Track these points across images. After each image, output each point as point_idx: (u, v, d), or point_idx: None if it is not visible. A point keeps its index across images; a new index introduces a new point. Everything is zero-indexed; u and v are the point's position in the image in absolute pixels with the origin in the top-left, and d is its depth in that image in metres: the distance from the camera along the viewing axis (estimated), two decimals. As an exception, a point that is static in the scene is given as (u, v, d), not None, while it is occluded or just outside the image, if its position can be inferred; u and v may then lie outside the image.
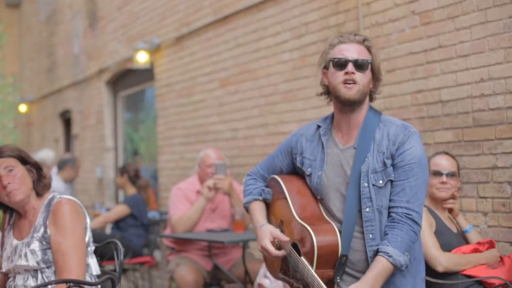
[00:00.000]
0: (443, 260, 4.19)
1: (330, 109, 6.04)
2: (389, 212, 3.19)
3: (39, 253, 3.65)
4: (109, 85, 11.23)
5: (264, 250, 3.35)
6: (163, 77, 9.13)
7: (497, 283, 4.10)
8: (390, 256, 3.06)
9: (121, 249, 3.75)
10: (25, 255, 3.66)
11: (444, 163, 4.44)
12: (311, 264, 3.18)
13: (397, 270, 3.11)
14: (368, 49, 3.31)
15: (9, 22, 16.30)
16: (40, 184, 3.80)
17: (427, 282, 4.24)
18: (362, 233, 3.21)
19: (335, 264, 3.19)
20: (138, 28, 9.85)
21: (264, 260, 3.72)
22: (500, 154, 4.57)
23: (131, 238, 7.72)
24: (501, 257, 4.30)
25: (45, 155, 10.29)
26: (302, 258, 3.25)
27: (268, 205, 3.64)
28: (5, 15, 16.37)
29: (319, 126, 3.46)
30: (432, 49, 5.05)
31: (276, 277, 3.61)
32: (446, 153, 4.56)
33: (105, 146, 11.25)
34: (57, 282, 3.32)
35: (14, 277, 3.76)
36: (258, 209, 3.59)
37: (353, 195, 3.21)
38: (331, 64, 3.29)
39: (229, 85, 7.60)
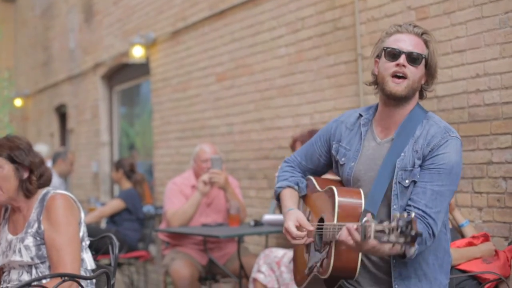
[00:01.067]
0: None
1: (326, 104, 6.06)
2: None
3: (33, 249, 3.64)
4: (104, 79, 11.22)
5: (286, 231, 3.20)
6: (158, 71, 9.12)
7: (491, 278, 4.10)
8: None
9: (116, 243, 3.74)
10: (19, 251, 3.65)
11: None
12: (333, 216, 3.05)
13: (401, 257, 2.98)
14: (426, 43, 3.13)
15: (5, 17, 16.28)
16: (28, 186, 3.72)
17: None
18: None
19: (358, 219, 2.99)
20: (134, 23, 9.84)
21: (293, 264, 3.59)
22: (495, 149, 4.57)
23: (126, 232, 7.71)
24: (496, 252, 4.31)
25: (38, 149, 10.27)
26: (326, 223, 3.11)
27: (304, 198, 3.49)
28: (1, 9, 16.35)
29: (360, 115, 3.30)
30: (427, 45, 5.05)
31: (302, 279, 3.40)
32: None
33: (101, 140, 11.25)
34: (52, 276, 3.31)
35: (9, 272, 3.75)
36: (290, 195, 3.42)
37: (379, 190, 3.05)
38: (383, 53, 3.12)
39: (225, 80, 7.60)
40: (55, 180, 8.68)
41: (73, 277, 3.25)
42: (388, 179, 3.03)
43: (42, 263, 3.66)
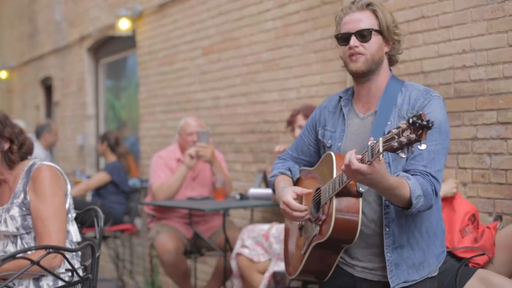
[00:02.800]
0: None
1: (313, 78, 6.06)
2: None
3: (18, 219, 3.64)
4: (90, 52, 11.17)
5: (285, 205, 3.17)
6: (145, 44, 9.08)
7: (471, 255, 4.12)
8: (409, 179, 2.92)
9: (101, 216, 3.75)
10: (5, 221, 3.65)
11: None
12: (332, 174, 3.06)
13: (408, 208, 2.95)
14: (374, 12, 3.17)
15: (-11, -12, 16.16)
16: (10, 156, 3.73)
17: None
18: (379, 198, 3.10)
19: None
20: (120, -5, 9.78)
21: (284, 257, 3.60)
22: (480, 125, 4.58)
23: (112, 205, 7.72)
24: (482, 228, 4.33)
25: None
26: (324, 187, 3.12)
27: (296, 182, 3.50)
28: (-14, -20, 16.21)
29: (340, 97, 3.36)
30: (414, 20, 5.05)
31: (295, 267, 3.40)
32: None
33: (86, 113, 11.21)
34: (37, 248, 3.32)
35: (-6, 243, 3.76)
36: (283, 179, 3.46)
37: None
38: (337, 41, 3.22)
39: (211, 54, 7.58)
40: (41, 152, 8.67)
41: (58, 249, 3.25)
42: None
43: (27, 233, 3.66)
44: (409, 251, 3.10)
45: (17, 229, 3.65)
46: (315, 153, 3.48)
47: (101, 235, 3.72)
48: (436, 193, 3.01)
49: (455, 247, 4.16)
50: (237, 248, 5.55)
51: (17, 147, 3.74)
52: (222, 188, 6.10)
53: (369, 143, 2.69)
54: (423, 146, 2.54)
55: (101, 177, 7.87)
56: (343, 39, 3.18)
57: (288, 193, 3.20)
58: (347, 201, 3.00)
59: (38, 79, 13.60)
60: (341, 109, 3.32)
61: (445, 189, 4.28)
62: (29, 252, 3.41)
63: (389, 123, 3.09)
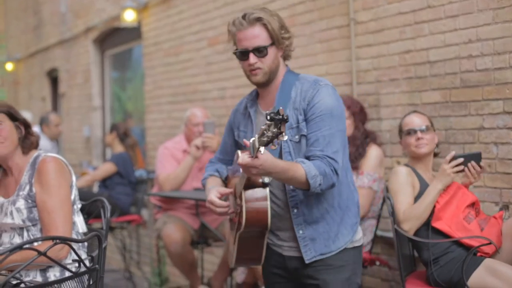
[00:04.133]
0: (400, 216, 4.25)
1: (319, 68, 6.04)
2: None
3: (24, 211, 3.66)
4: (96, 43, 11.17)
5: (209, 202, 3.41)
6: (150, 35, 9.07)
7: (476, 244, 4.13)
8: (304, 163, 3.18)
9: (108, 206, 3.76)
10: (11, 213, 3.66)
11: (415, 120, 4.50)
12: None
13: (309, 189, 3.19)
14: (264, 26, 3.36)
15: (-5, -20, 16.16)
16: (27, 141, 3.80)
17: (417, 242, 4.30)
18: (284, 185, 3.35)
19: None
20: (126, -14, 9.76)
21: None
22: (486, 115, 4.58)
23: (119, 196, 7.73)
24: (488, 218, 4.33)
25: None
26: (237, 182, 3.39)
27: (225, 181, 3.74)
28: (-9, -28, 16.21)
29: (247, 100, 3.63)
30: (420, 9, 5.04)
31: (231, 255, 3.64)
32: (415, 111, 4.63)
33: (92, 105, 11.22)
34: (44, 239, 3.33)
35: (0, 235, 3.77)
36: (211, 181, 3.67)
37: (276, 152, 3.28)
38: (235, 55, 3.45)
39: (217, 44, 7.56)
40: (47, 143, 8.69)
41: (64, 240, 3.26)
42: (281, 145, 3.33)
43: (33, 225, 3.68)
44: (325, 225, 3.38)
45: (23, 221, 3.66)
46: None
47: (107, 226, 3.73)
48: (336, 172, 3.24)
49: (462, 237, 4.16)
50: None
51: (32, 133, 3.81)
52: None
53: (250, 140, 2.94)
54: (285, 137, 2.75)
55: (108, 168, 7.87)
56: (241, 54, 3.40)
57: (212, 193, 3.43)
58: (255, 192, 3.24)
59: (44, 71, 13.60)
60: (247, 110, 3.58)
61: (437, 182, 4.29)
62: (36, 243, 3.42)
63: None
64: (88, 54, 11.29)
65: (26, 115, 10.08)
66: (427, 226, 4.28)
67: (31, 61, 14.47)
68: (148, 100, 9.22)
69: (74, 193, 3.81)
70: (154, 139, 8.96)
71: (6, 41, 16.10)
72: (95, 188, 8.37)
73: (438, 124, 4.81)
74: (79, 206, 3.88)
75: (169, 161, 6.26)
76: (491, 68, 4.53)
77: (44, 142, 8.29)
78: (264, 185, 3.25)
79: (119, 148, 8.07)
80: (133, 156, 8.16)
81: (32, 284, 3.37)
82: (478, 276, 4.01)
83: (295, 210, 3.36)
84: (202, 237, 6.25)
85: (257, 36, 3.36)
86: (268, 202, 3.25)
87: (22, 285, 3.37)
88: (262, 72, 3.39)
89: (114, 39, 10.72)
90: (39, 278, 3.58)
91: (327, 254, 3.39)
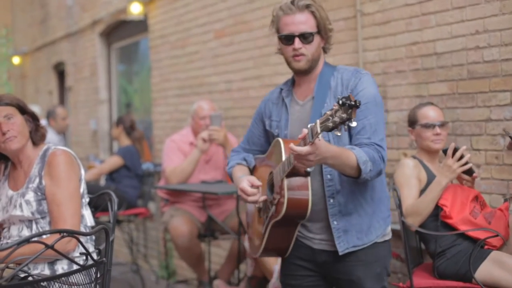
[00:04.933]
0: (405, 210, 4.25)
1: (326, 60, 6.01)
2: None
3: (34, 204, 3.67)
4: (102, 37, 11.17)
5: (241, 191, 3.43)
6: (157, 28, 9.07)
7: (483, 236, 4.12)
8: (354, 149, 3.19)
9: (115, 200, 3.76)
10: (20, 206, 3.68)
11: (433, 114, 4.47)
12: (281, 158, 3.29)
13: (359, 176, 3.19)
14: (313, 14, 3.40)
15: (1, -27, 16.17)
16: (37, 134, 3.83)
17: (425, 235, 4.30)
18: (321, 175, 3.37)
19: None
20: (132, -21, 9.75)
21: (248, 240, 3.86)
22: (494, 106, 4.57)
23: (126, 189, 7.73)
24: (494, 210, 4.32)
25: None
26: (275, 170, 3.37)
27: (252, 170, 3.75)
28: (-3, -35, 16.22)
29: (281, 89, 3.62)
30: (427, 1, 5.02)
31: (258, 245, 3.63)
32: (432, 103, 4.59)
33: (99, 98, 11.22)
34: (51, 232, 3.32)
35: (9, 228, 3.78)
36: (239, 169, 3.69)
37: None
38: (279, 40, 3.45)
39: (223, 37, 7.56)
40: (54, 137, 8.69)
41: (72, 233, 3.26)
42: None
43: (42, 218, 3.69)
44: (357, 217, 3.38)
45: (32, 213, 3.67)
46: (265, 143, 3.75)
47: (115, 219, 3.74)
48: (383, 159, 3.27)
49: (467, 230, 4.16)
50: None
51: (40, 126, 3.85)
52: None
53: (308, 126, 2.93)
54: (354, 123, 2.76)
55: (114, 161, 7.88)
56: (286, 39, 3.41)
57: (244, 182, 3.45)
58: (296, 181, 3.25)
59: (50, 64, 13.61)
60: (282, 100, 3.58)
61: (441, 178, 4.28)
62: (44, 236, 3.43)
63: (325, 105, 3.36)
64: (95, 47, 11.29)
65: (35, 108, 10.09)
66: (434, 218, 4.27)
67: (37, 54, 14.49)
68: (155, 93, 9.23)
69: (83, 187, 3.82)
70: (161, 132, 8.96)
71: (12, 34, 16.11)
72: (102, 182, 8.38)
73: (445, 116, 4.79)
74: (87, 200, 3.89)
75: (176, 154, 6.27)
76: (498, 59, 4.51)
77: (51, 136, 8.29)
78: (306, 174, 3.26)
79: (125, 141, 8.08)
80: (140, 149, 8.16)
81: (40, 277, 3.38)
82: (485, 268, 4.01)
83: (331, 200, 3.35)
84: (209, 230, 6.25)
85: (304, 22, 3.38)
86: (310, 191, 3.25)
87: (30, 278, 3.38)
88: (306, 59, 3.41)
89: (120, 32, 10.72)
90: (47, 271, 3.59)
91: (359, 247, 3.39)
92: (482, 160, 4.66)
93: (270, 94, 3.70)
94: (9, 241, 3.73)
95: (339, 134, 2.80)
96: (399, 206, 4.31)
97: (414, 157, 4.53)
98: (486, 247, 4.15)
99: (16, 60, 15.21)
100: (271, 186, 3.45)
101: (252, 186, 3.42)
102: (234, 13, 7.33)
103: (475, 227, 4.16)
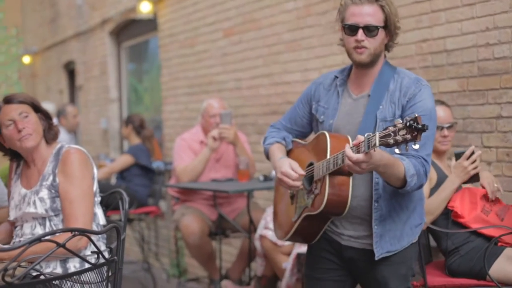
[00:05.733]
0: None
1: (335, 58, 6.03)
2: None
3: (47, 201, 3.69)
4: (112, 35, 11.18)
5: (283, 175, 3.41)
6: (166, 27, 9.08)
7: (498, 234, 4.11)
8: (403, 160, 3.15)
9: (126, 198, 3.77)
10: (34, 203, 3.70)
11: (442, 115, 4.43)
12: (325, 155, 3.29)
13: (402, 187, 3.19)
14: (382, 8, 3.31)
15: (11, -27, 16.20)
16: (51, 132, 3.86)
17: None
18: (369, 175, 3.33)
19: None
20: (141, -22, 9.76)
21: (274, 221, 3.85)
22: (505, 103, 4.55)
23: (136, 188, 7.74)
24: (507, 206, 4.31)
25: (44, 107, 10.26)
26: (317, 164, 3.35)
27: (288, 153, 3.72)
28: (7, -35, 16.25)
29: (336, 77, 3.55)
30: (437, -2, 5.02)
31: (287, 231, 3.64)
32: (443, 103, 4.55)
33: (109, 97, 11.25)
34: (63, 231, 3.34)
35: (22, 226, 3.79)
36: (278, 148, 3.67)
37: None
38: (343, 29, 3.38)
39: (232, 35, 7.56)
40: (65, 136, 8.72)
41: (83, 231, 3.27)
42: (371, 130, 3.26)
43: (56, 215, 3.71)
44: (391, 223, 3.37)
45: (46, 211, 3.69)
46: (308, 125, 3.71)
47: (126, 218, 3.75)
48: (426, 174, 3.25)
49: (481, 227, 4.15)
50: (260, 229, 5.56)
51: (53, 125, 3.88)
52: (246, 169, 6.11)
53: (365, 135, 2.91)
54: (416, 146, 2.77)
55: (125, 160, 7.89)
56: (350, 29, 3.33)
57: (286, 165, 3.44)
58: (339, 180, 3.26)
59: (61, 63, 13.64)
60: (335, 87, 3.53)
61: (454, 176, 4.27)
62: (55, 235, 3.44)
63: (381, 107, 3.33)
64: (105, 46, 11.31)
65: (49, 106, 10.14)
66: (445, 216, 4.26)
67: (48, 54, 14.52)
68: (164, 91, 9.24)
69: (96, 185, 3.84)
70: (171, 131, 8.97)
71: (23, 34, 16.15)
72: (113, 180, 8.39)
73: (455, 113, 4.78)
74: (99, 199, 3.90)
75: (186, 153, 6.27)
76: (509, 56, 4.50)
77: (62, 135, 8.28)
78: (349, 174, 3.24)
79: (135, 140, 8.09)
80: (150, 147, 8.17)
81: (52, 276, 3.39)
82: (499, 265, 4.00)
83: (376, 204, 3.34)
84: (220, 228, 6.26)
85: (372, 14, 3.30)
86: (350, 192, 3.26)
87: (42, 276, 3.39)
88: (368, 52, 3.34)
89: (130, 31, 10.74)
90: (59, 269, 3.60)
91: (392, 252, 3.39)
92: (493, 157, 4.65)
93: (324, 79, 3.63)
94: (21, 239, 3.75)
95: (397, 152, 2.81)
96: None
97: None
98: (499, 244, 4.14)
99: (26, 59, 15.26)
100: (309, 177, 3.44)
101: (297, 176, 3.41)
102: (243, 11, 7.34)
103: (488, 225, 4.16)
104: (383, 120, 3.30)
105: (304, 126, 3.71)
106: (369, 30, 3.30)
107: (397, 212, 3.37)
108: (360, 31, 3.29)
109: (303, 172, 3.41)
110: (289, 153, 3.69)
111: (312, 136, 3.63)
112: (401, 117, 3.28)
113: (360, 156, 2.92)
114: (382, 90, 3.35)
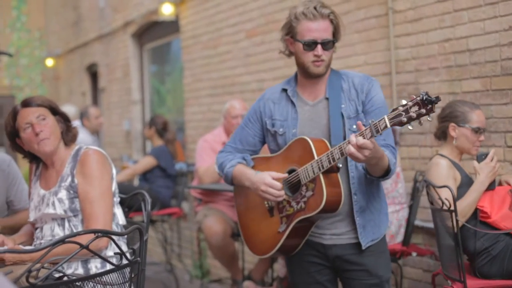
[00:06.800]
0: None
1: (357, 59, 6.01)
2: None
3: (66, 202, 3.70)
4: (135, 38, 11.23)
5: (269, 186, 3.48)
6: (188, 29, 9.10)
7: None
8: (385, 151, 3.33)
9: (148, 199, 3.77)
10: (53, 204, 3.71)
11: (484, 119, 4.37)
12: (312, 156, 3.38)
13: (383, 176, 3.39)
14: (331, 21, 3.51)
15: (34, -24, 16.30)
16: (69, 134, 3.87)
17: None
18: (346, 173, 3.49)
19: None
20: (163, -20, 9.79)
21: (248, 240, 3.88)
22: (528, 102, 4.53)
23: (159, 189, 7.77)
24: None
25: (66, 110, 10.32)
26: (302, 168, 3.42)
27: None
28: (30, -31, 16.35)
29: (284, 89, 3.69)
30: (459, -3, 4.99)
31: (272, 244, 3.66)
32: (478, 106, 4.45)
33: (132, 99, 11.29)
34: (86, 232, 3.35)
35: (42, 228, 3.81)
36: (245, 167, 3.71)
37: (336, 140, 3.40)
38: (301, 44, 3.51)
39: (255, 36, 7.57)
40: (88, 138, 8.74)
41: (106, 233, 3.28)
42: (341, 128, 3.46)
43: (75, 216, 3.72)
44: (369, 214, 3.55)
45: (65, 211, 3.70)
46: (259, 143, 3.81)
47: (148, 219, 3.75)
48: (394, 164, 3.42)
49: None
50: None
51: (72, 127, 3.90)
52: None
53: (370, 121, 3.08)
54: (430, 118, 2.96)
55: (148, 162, 7.91)
56: (308, 45, 3.49)
57: (266, 178, 3.51)
58: (331, 177, 3.38)
59: (83, 66, 13.72)
60: (287, 99, 3.65)
61: (484, 178, 4.24)
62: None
63: (343, 105, 3.51)
64: (127, 48, 11.35)
65: (71, 109, 10.19)
66: (473, 216, 4.22)
67: (71, 56, 14.60)
68: (187, 93, 9.26)
69: (114, 186, 3.85)
70: (194, 132, 8.99)
71: (46, 37, 16.25)
72: (136, 182, 8.42)
73: (478, 112, 4.75)
74: (118, 199, 3.91)
75: (209, 154, 6.28)
76: (532, 55, 4.47)
77: (85, 137, 8.34)
78: (337, 170, 3.37)
79: (158, 141, 8.11)
80: (173, 149, 8.19)
81: (74, 277, 3.40)
82: None
83: (355, 197, 3.50)
84: (243, 229, 6.25)
85: (326, 29, 3.49)
86: (342, 186, 3.39)
87: (65, 277, 3.40)
88: (324, 65, 3.51)
89: (152, 33, 10.77)
90: (80, 270, 3.62)
91: (375, 240, 3.56)
92: (517, 157, 4.62)
93: (270, 94, 3.75)
94: (42, 241, 3.76)
95: (410, 128, 3.00)
96: (432, 203, 4.27)
97: (441, 155, 4.41)
98: None
99: (49, 62, 15.35)
100: (291, 184, 3.51)
101: (276, 179, 3.50)
102: (265, 12, 7.34)
103: None
104: (348, 117, 3.48)
105: (256, 144, 3.80)
106: (326, 44, 3.49)
107: (371, 202, 3.55)
108: (319, 46, 3.47)
109: (285, 175, 3.51)
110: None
111: (264, 149, 3.79)
112: (363, 112, 3.49)
113: (367, 141, 3.05)
114: (337, 91, 3.53)
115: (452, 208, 4.05)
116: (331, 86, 3.55)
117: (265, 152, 3.81)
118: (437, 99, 2.91)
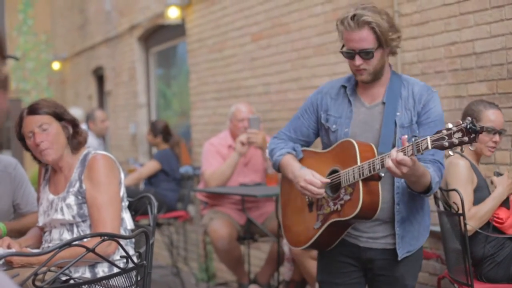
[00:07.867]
0: (468, 216, 4.13)
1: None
2: None
3: (74, 207, 3.70)
4: (141, 41, 11.24)
5: (308, 182, 3.46)
6: (194, 32, 9.11)
7: None
8: (429, 168, 3.29)
9: (155, 203, 3.78)
10: (61, 209, 3.71)
11: (499, 119, 4.32)
12: (355, 161, 3.35)
13: (425, 193, 3.35)
14: (372, 29, 3.37)
15: (41, -21, 16.33)
16: (75, 141, 3.83)
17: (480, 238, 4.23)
18: (391, 179, 3.45)
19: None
20: (169, -16, 9.80)
21: (287, 231, 3.87)
22: (535, 106, 4.52)
23: (165, 193, 7.78)
24: None
25: (72, 113, 10.32)
26: (345, 171, 3.40)
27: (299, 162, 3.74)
28: (37, -28, 16.38)
29: (344, 86, 3.64)
30: (465, 0, 4.98)
31: (307, 238, 3.68)
32: (495, 105, 4.40)
33: (138, 102, 11.30)
34: (93, 235, 3.36)
35: (50, 232, 3.81)
36: (293, 159, 3.69)
37: (385, 148, 3.37)
38: (345, 52, 3.47)
39: (261, 40, 7.57)
40: (94, 141, 8.76)
41: (113, 236, 3.29)
42: (392, 136, 3.42)
43: (83, 221, 3.72)
44: (410, 225, 3.51)
45: (73, 217, 3.70)
46: (313, 135, 3.79)
47: (154, 222, 3.76)
48: (440, 180, 3.40)
49: None
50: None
51: (80, 131, 3.86)
52: (274, 174, 6.11)
53: (413, 139, 3.05)
54: (472, 148, 2.90)
55: (152, 166, 7.93)
56: (347, 56, 3.46)
57: (308, 174, 3.50)
58: (371, 185, 3.34)
59: (90, 69, 13.73)
60: (345, 96, 3.62)
61: (502, 189, 4.24)
62: (84, 240, 3.46)
63: (398, 113, 3.46)
64: (133, 51, 11.37)
65: (77, 112, 10.20)
66: (486, 223, 4.21)
67: (77, 59, 14.62)
68: (193, 96, 9.27)
69: (123, 190, 3.85)
70: (200, 136, 9.00)
71: (52, 40, 16.28)
72: (141, 186, 8.43)
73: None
74: (127, 203, 3.91)
75: (215, 157, 6.28)
76: (538, 58, 4.46)
77: (91, 140, 8.33)
78: (379, 178, 3.34)
79: (163, 145, 8.13)
80: (179, 151, 8.20)
81: (81, 280, 3.41)
82: None
83: (398, 207, 3.47)
84: (249, 233, 6.26)
85: (364, 39, 3.38)
86: (380, 196, 3.36)
87: (72, 281, 3.41)
88: (367, 73, 3.45)
89: (158, 36, 10.78)
90: (87, 274, 3.62)
91: (411, 252, 3.55)
92: (523, 160, 4.61)
93: (329, 88, 3.70)
94: (50, 244, 3.77)
95: (451, 154, 2.97)
96: (449, 207, 4.26)
97: (461, 155, 4.31)
98: None
99: (56, 65, 15.37)
100: (331, 184, 3.50)
101: (321, 183, 3.48)
102: (271, 15, 7.34)
103: None
104: (401, 126, 3.43)
105: (310, 135, 3.78)
106: (366, 54, 3.39)
107: (413, 214, 3.51)
108: (357, 57, 3.41)
109: (327, 180, 3.48)
110: (300, 162, 3.71)
111: (316, 143, 3.76)
112: (417, 123, 3.44)
113: (407, 158, 3.03)
114: (396, 97, 3.47)
115: (461, 211, 4.04)
116: (391, 91, 3.50)
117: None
118: (482, 128, 2.85)
